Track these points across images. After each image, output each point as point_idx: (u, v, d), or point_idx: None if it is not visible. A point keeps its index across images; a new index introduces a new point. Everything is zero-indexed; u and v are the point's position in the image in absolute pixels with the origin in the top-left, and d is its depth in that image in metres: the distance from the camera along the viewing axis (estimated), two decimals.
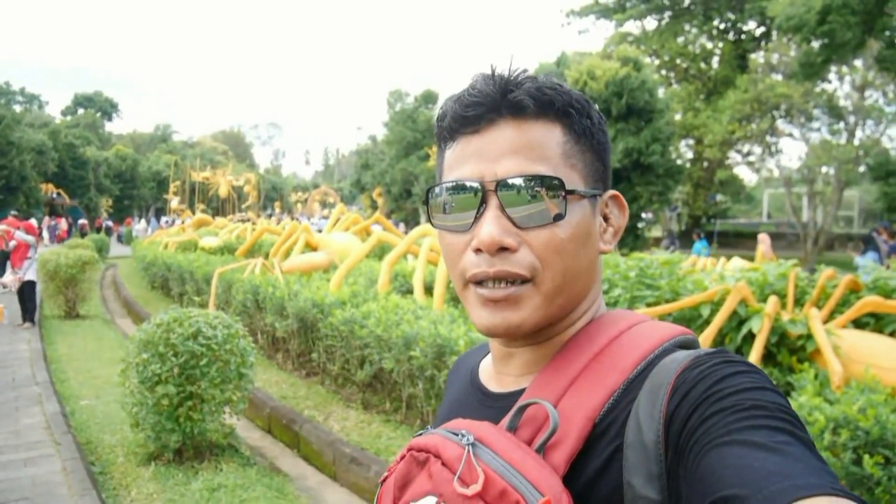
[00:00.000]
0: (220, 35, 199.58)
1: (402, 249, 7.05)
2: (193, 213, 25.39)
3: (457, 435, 0.70)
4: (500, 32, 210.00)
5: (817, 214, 29.60)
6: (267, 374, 6.54)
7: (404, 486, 0.73)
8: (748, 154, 32.82)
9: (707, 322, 4.03)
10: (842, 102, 27.10)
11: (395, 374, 4.96)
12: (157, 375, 4.18)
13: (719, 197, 38.24)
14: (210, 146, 62.26)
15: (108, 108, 66.59)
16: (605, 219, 0.82)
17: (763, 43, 32.01)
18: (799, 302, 4.28)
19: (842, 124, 27.22)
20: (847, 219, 41.82)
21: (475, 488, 0.64)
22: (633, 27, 35.83)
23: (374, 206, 37.28)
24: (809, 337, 3.63)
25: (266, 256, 10.07)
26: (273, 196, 56.04)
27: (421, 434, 0.75)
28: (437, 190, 0.80)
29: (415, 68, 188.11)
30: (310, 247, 10.18)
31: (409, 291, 7.05)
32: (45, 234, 30.55)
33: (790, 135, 29.17)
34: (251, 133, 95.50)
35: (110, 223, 37.77)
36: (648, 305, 4.63)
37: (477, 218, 0.75)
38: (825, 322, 3.82)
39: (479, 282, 0.76)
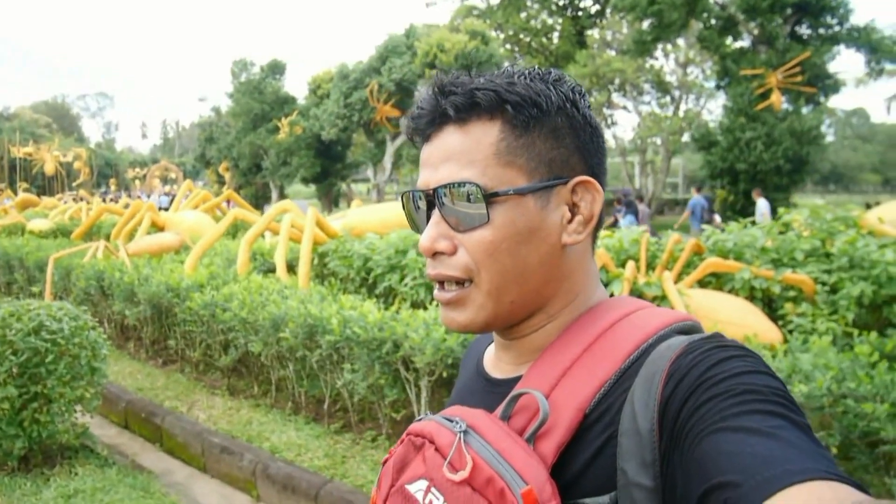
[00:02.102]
0: None
1: (261, 227, 6.79)
2: (15, 193, 22.92)
3: (451, 422, 0.73)
4: (347, 4, 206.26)
5: (648, 182, 32.00)
6: (119, 366, 6.10)
7: (402, 468, 0.76)
8: None
9: None
10: (668, 78, 29.36)
11: (262, 357, 4.80)
12: None
13: None
14: (30, 118, 56.22)
15: None
16: (575, 206, 0.80)
17: (598, 20, 33.76)
18: (650, 265, 4.60)
19: (668, 98, 29.51)
20: (673, 185, 45.57)
21: (462, 475, 0.66)
22: (478, 1, 36.45)
23: (221, 182, 35.56)
24: (663, 297, 3.92)
25: (107, 238, 9.32)
26: (107, 172, 51.74)
27: (421, 419, 0.78)
28: (403, 198, 0.86)
29: (259, 37, 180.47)
30: (156, 227, 9.56)
31: (270, 271, 6.82)
32: None
33: (624, 107, 31.21)
34: (78, 104, 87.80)
35: None
36: None
37: (427, 223, 0.80)
38: (675, 283, 4.13)
39: (440, 283, 0.81)
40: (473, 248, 0.76)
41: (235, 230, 10.48)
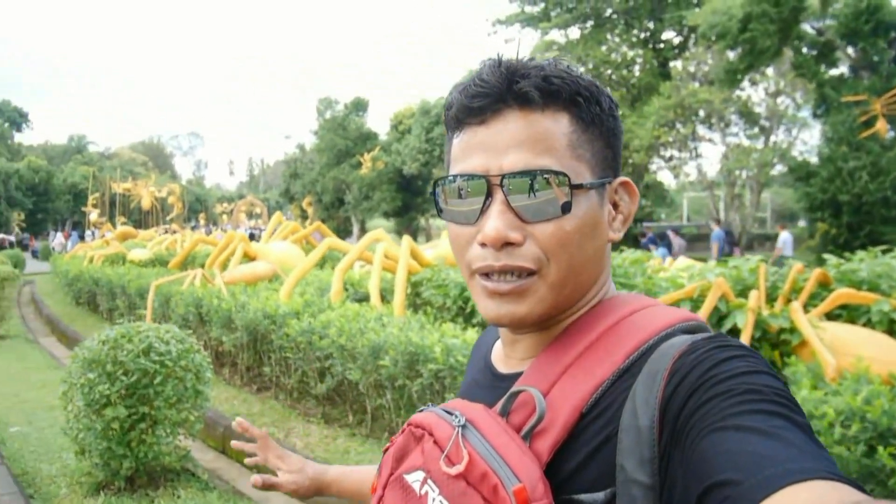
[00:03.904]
0: (136, 42, 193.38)
1: (354, 256, 6.81)
2: (114, 226, 24.21)
3: (451, 415, 0.73)
4: (428, 41, 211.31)
5: (733, 216, 30.80)
6: (215, 391, 6.15)
7: (401, 458, 0.76)
8: (670, 159, 33.93)
9: None
10: (756, 109, 28.36)
11: (360, 385, 4.73)
12: (105, 397, 3.81)
13: (643, 201, 39.38)
14: (129, 157, 59.77)
15: (17, 118, 63.14)
16: (615, 206, 0.82)
17: (681, 52, 33.17)
18: (770, 296, 4.29)
19: (756, 129, 28.47)
20: (760, 220, 43.74)
21: (458, 469, 0.67)
22: (557, 36, 36.51)
23: (304, 216, 36.59)
24: (792, 330, 3.62)
25: (202, 268, 9.60)
26: (197, 208, 54.19)
27: (422, 410, 0.78)
28: (443, 182, 0.80)
29: (342, 78, 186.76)
30: (248, 257, 9.78)
31: (361, 300, 6.81)
32: None
33: (710, 140, 30.30)
34: (171, 143, 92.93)
35: (12, 238, 35.36)
36: None
37: (483, 211, 0.75)
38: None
39: (486, 273, 0.77)
40: (546, 239, 0.74)
41: (323, 261, 10.63)
